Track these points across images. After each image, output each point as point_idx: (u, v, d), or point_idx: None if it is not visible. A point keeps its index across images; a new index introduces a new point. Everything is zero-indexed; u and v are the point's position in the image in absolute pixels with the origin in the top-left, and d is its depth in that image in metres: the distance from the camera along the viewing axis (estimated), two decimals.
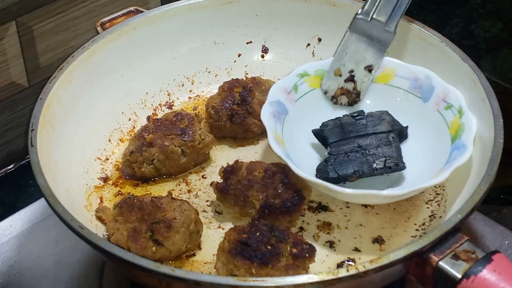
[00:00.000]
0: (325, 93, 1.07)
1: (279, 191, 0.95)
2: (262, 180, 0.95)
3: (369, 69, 1.07)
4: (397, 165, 0.97)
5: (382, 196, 0.93)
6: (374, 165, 0.96)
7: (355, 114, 1.01)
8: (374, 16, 1.08)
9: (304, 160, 1.01)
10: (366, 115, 1.01)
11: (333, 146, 0.99)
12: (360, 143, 0.98)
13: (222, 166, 0.99)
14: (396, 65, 1.07)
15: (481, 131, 0.97)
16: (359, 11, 1.08)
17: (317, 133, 1.02)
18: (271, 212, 0.94)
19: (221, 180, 0.98)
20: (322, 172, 0.97)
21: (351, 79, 1.08)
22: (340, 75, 1.08)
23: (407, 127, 1.03)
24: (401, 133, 1.03)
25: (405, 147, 1.02)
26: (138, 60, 1.14)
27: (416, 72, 1.06)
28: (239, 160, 0.98)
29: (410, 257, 0.83)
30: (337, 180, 0.96)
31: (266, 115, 1.01)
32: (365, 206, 0.99)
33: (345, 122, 1.00)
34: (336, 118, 1.02)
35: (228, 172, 0.97)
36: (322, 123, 1.02)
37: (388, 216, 0.98)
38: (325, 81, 1.08)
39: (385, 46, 1.08)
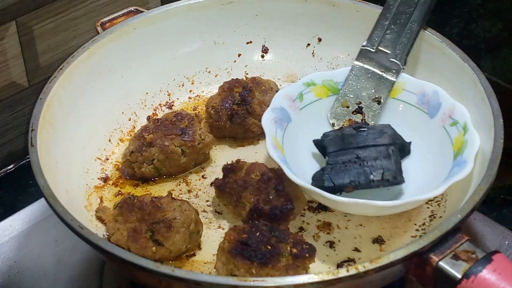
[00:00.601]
0: (333, 125, 1.06)
1: (271, 197, 0.94)
2: (257, 184, 0.95)
3: (377, 100, 1.06)
4: (395, 178, 0.95)
5: (377, 207, 0.91)
6: (371, 176, 0.95)
7: (357, 126, 1.00)
8: (380, 47, 1.07)
9: (303, 169, 1.00)
10: (368, 127, 1.00)
11: (332, 156, 0.98)
12: (358, 154, 0.97)
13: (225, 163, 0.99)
14: (405, 80, 1.06)
15: (481, 131, 0.97)
16: (365, 42, 1.08)
17: (318, 143, 1.01)
18: (259, 217, 0.93)
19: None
20: (317, 180, 0.96)
21: (359, 111, 1.06)
22: (348, 107, 1.06)
23: (410, 143, 1.01)
24: (404, 148, 1.01)
25: (407, 162, 1.01)
26: (138, 60, 1.14)
27: (424, 88, 1.04)
28: (242, 160, 0.98)
29: (410, 257, 0.83)
30: (332, 190, 0.95)
31: (267, 120, 1.00)
32: None
33: (346, 133, 0.99)
34: (338, 129, 1.01)
35: (228, 170, 0.97)
36: (324, 133, 1.01)
37: (388, 216, 0.98)
38: (332, 112, 1.06)
39: (393, 78, 1.06)
